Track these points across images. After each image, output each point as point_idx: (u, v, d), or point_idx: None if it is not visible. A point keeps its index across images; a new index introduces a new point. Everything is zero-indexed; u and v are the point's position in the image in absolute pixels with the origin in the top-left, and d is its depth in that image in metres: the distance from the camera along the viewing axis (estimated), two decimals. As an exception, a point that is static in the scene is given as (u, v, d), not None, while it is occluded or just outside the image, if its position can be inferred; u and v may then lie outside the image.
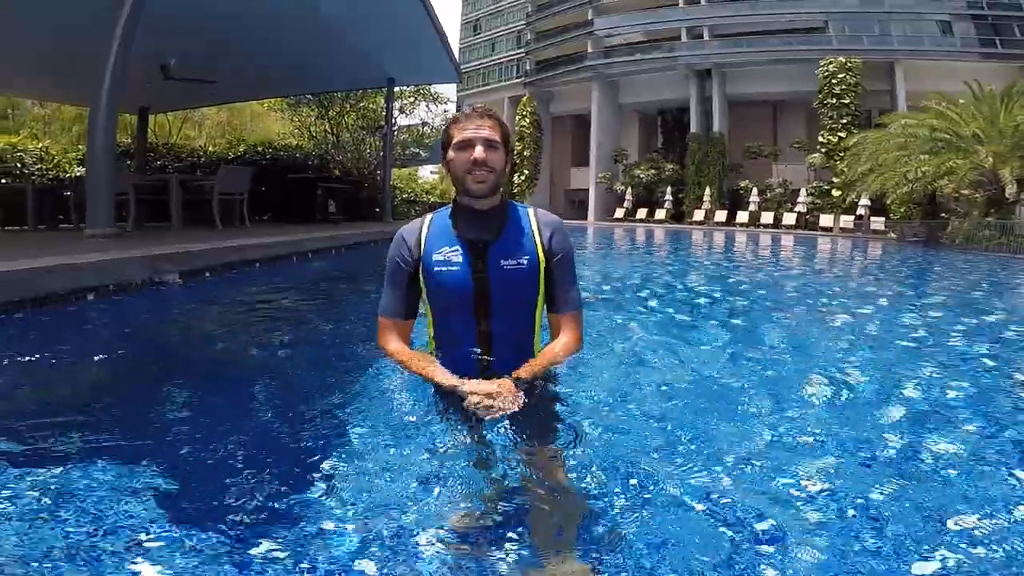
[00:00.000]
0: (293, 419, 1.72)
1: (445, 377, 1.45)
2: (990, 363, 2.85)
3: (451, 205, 1.59)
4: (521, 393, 1.37)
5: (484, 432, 1.38)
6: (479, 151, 1.46)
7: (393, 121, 15.27)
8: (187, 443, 1.54)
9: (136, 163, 11.04)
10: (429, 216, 1.62)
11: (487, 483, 1.31)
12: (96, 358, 2.39)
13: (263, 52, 9.96)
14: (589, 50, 38.67)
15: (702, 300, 5.00)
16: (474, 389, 1.36)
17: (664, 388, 1.95)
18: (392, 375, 1.65)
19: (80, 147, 11.99)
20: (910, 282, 7.55)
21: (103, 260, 3.70)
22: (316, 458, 1.41)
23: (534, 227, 1.56)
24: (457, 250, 1.51)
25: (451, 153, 1.50)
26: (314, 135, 16.63)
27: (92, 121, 5.35)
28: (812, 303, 5.16)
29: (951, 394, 2.25)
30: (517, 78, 47.16)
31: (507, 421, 1.34)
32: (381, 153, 16.00)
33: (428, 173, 41.68)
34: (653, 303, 4.71)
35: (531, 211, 1.61)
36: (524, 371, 1.46)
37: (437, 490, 1.25)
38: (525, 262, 1.51)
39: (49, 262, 3.57)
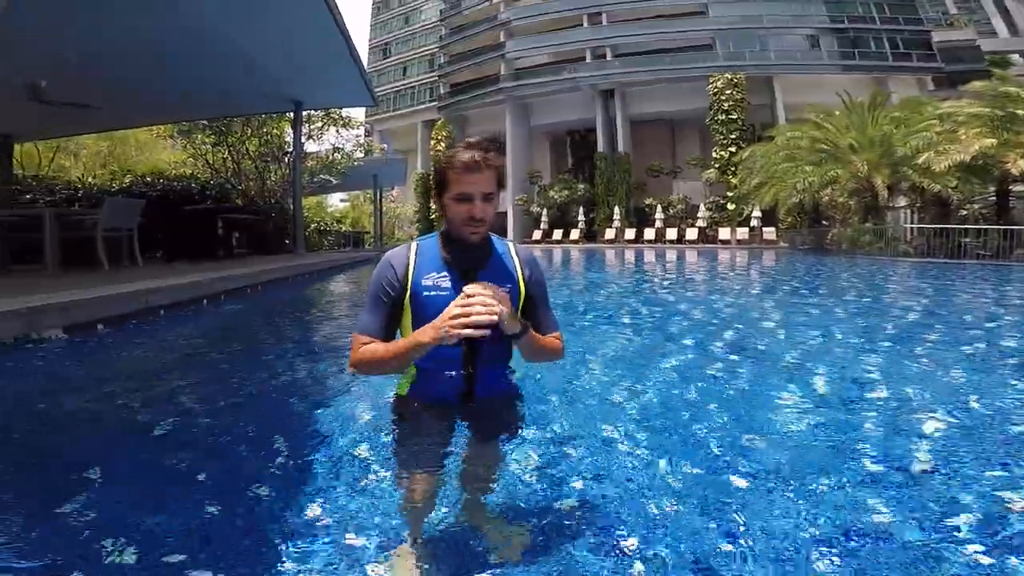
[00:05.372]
0: (233, 503, 1.41)
1: (412, 335, 1.46)
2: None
3: (438, 235, 1.65)
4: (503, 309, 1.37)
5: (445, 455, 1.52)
6: (478, 209, 1.50)
7: (301, 147, 14.49)
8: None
9: (-1, 197, 9.62)
10: (414, 243, 1.65)
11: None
12: None
13: (152, 75, 9.04)
14: (502, 72, 39.50)
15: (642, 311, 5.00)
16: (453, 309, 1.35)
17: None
18: (336, 427, 1.72)
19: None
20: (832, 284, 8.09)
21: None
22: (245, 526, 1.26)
23: (515, 259, 1.66)
24: (445, 276, 1.55)
25: (448, 201, 1.53)
26: (211, 163, 15.44)
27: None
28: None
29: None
30: (431, 102, 47.13)
31: (469, 422, 1.61)
32: (287, 181, 15.13)
33: (337, 201, 40.26)
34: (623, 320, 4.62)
35: (510, 245, 1.71)
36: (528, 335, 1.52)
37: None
38: (509, 289, 1.56)
39: None
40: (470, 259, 1.58)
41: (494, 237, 1.67)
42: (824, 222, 21.43)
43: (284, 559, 1.16)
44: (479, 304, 1.32)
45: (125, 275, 5.97)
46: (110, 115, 11.26)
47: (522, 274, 1.64)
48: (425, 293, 1.54)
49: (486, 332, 1.33)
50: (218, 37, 7.89)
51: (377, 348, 1.52)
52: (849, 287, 7.73)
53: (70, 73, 7.99)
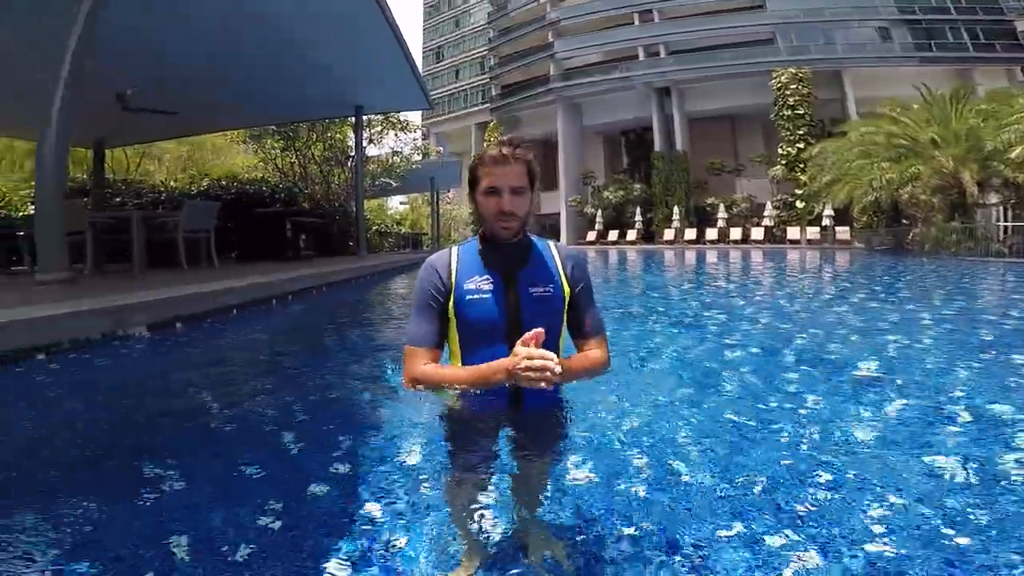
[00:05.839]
0: (295, 498, 1.45)
1: (486, 367, 1.45)
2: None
3: (477, 238, 1.65)
4: (556, 371, 1.33)
5: (492, 467, 1.49)
6: (506, 201, 1.50)
7: (362, 151, 14.90)
8: (163, 541, 1.22)
9: (93, 200, 10.37)
10: (455, 248, 1.65)
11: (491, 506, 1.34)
12: (44, 430, 1.96)
13: (226, 81, 9.55)
14: (552, 72, 39.34)
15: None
16: (523, 361, 1.33)
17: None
18: (400, 425, 1.70)
19: (33, 184, 11.24)
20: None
21: (51, 315, 3.20)
22: (320, 539, 1.26)
23: (556, 258, 1.63)
24: (488, 279, 1.55)
25: (479, 197, 1.55)
26: (280, 167, 16.12)
27: (40, 153, 4.85)
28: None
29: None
30: (483, 104, 47.60)
31: (518, 428, 1.57)
32: (350, 185, 15.58)
33: (397, 203, 41.30)
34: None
35: (551, 244, 1.68)
36: (562, 362, 1.42)
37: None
38: (552, 289, 1.57)
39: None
40: (509, 259, 1.57)
41: (534, 237, 1.66)
42: (904, 221, 20.07)
43: (339, 559, 1.16)
44: (543, 366, 1.32)
45: (203, 275, 6.26)
46: (188, 120, 11.94)
47: (564, 271, 1.61)
48: (468, 297, 1.54)
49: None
50: (286, 45, 8.26)
51: (441, 373, 1.53)
52: (940, 290, 7.15)
53: (152, 81, 8.51)
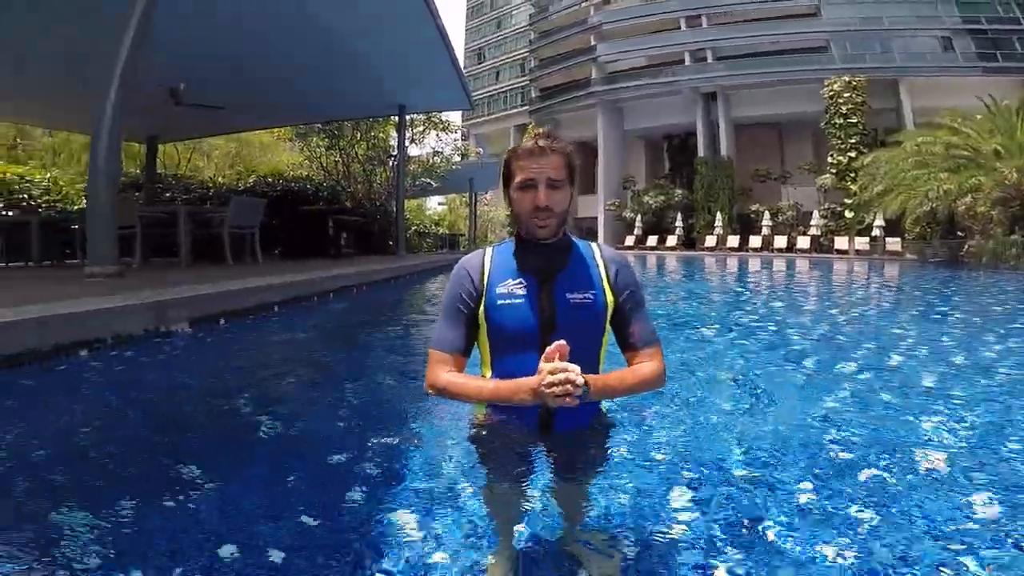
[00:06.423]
0: (333, 497, 1.46)
1: (511, 384, 1.31)
2: None
3: (513, 238, 1.52)
4: (579, 383, 1.20)
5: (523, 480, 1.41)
6: (542, 196, 1.39)
7: (404, 150, 14.98)
8: (198, 539, 1.25)
9: (145, 194, 10.70)
10: (490, 248, 1.54)
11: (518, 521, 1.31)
12: (82, 430, 1.94)
13: (273, 78, 9.71)
14: (593, 76, 38.97)
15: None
16: (546, 378, 1.21)
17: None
18: (432, 432, 1.68)
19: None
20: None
21: (95, 309, 3.20)
22: (353, 532, 1.31)
23: (599, 262, 1.48)
24: (521, 283, 1.43)
25: (514, 193, 1.44)
26: (324, 166, 16.38)
27: (93, 149, 4.95)
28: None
29: None
30: (522, 106, 47.56)
31: (550, 451, 1.42)
32: (391, 184, 15.70)
33: (435, 204, 41.69)
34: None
35: (594, 246, 1.54)
36: (593, 378, 1.29)
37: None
38: (592, 297, 1.42)
39: (23, 313, 3.01)
40: (546, 261, 1.44)
41: (575, 238, 1.53)
42: (960, 233, 19.15)
43: (375, 565, 1.14)
44: (566, 379, 1.20)
45: (246, 271, 6.32)
46: (237, 117, 12.21)
47: (607, 275, 1.46)
48: (500, 302, 1.42)
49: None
50: (335, 44, 8.33)
51: (462, 385, 1.40)
52: (1000, 305, 6.66)
53: (204, 78, 8.70)
